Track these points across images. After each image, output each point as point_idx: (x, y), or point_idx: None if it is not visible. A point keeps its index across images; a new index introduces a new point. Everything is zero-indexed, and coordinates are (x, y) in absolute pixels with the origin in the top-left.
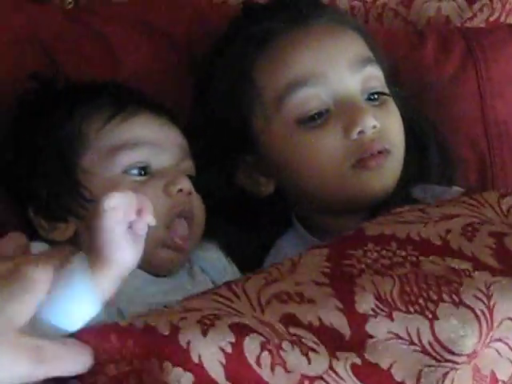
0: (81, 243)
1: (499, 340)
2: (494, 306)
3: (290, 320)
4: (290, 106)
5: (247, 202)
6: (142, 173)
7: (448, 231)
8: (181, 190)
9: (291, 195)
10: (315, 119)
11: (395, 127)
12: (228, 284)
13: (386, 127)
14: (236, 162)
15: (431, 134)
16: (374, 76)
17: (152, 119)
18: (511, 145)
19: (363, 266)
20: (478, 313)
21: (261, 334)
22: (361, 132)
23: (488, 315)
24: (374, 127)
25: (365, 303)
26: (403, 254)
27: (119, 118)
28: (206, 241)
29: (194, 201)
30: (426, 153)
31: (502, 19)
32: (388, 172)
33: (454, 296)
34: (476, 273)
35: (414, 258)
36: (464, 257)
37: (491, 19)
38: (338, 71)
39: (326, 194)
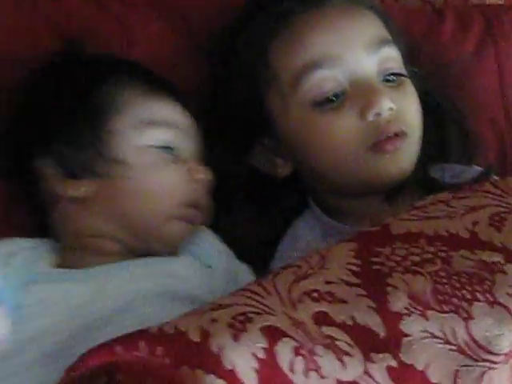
0: (96, 207)
1: None
2: None
3: (322, 318)
4: (305, 87)
5: (264, 184)
6: (170, 149)
7: (475, 223)
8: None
9: (308, 177)
10: (331, 101)
11: (412, 109)
12: (258, 280)
13: (403, 109)
14: (253, 144)
15: (450, 113)
16: (391, 57)
17: (179, 106)
18: None
19: (393, 263)
20: None
21: (293, 338)
22: (377, 114)
23: None
24: (391, 109)
25: (398, 302)
26: (432, 249)
27: (154, 95)
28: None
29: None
30: (445, 132)
31: None
32: (405, 155)
33: (488, 295)
34: (508, 265)
35: (444, 254)
36: (494, 248)
37: None
38: (354, 53)
39: (343, 177)
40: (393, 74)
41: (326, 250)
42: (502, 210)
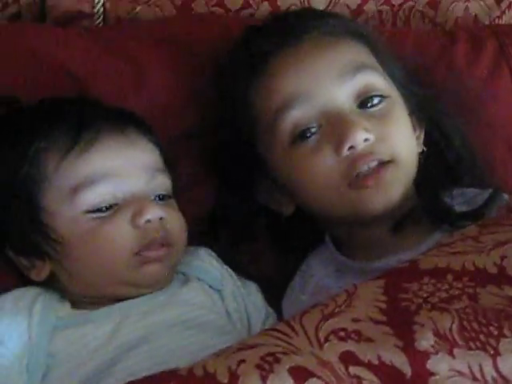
0: (61, 285)
1: None
2: None
3: (349, 358)
4: (281, 129)
5: (279, 219)
6: (107, 207)
7: (503, 257)
8: (149, 221)
9: (309, 213)
10: (308, 139)
11: (396, 134)
12: (286, 320)
13: (385, 136)
14: (257, 183)
15: (453, 134)
16: (369, 83)
17: (111, 145)
18: None
19: (420, 300)
20: None
21: (320, 378)
22: (351, 148)
23: None
24: (366, 140)
25: (424, 340)
26: (460, 285)
27: (75, 153)
28: (200, 250)
29: (169, 223)
30: (451, 157)
31: None
32: (390, 185)
33: None
34: None
35: (471, 290)
36: None
37: None
38: (323, 86)
39: (334, 212)
40: (374, 97)
41: (353, 287)
42: None
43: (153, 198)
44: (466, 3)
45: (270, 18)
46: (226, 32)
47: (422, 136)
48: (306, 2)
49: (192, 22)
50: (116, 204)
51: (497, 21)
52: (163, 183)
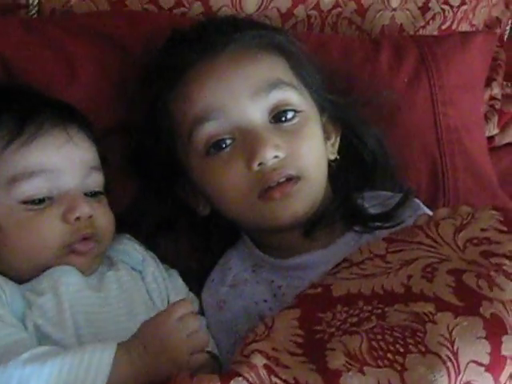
0: None
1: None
2: (457, 351)
3: (271, 370)
4: (197, 140)
5: (196, 218)
6: (40, 200)
7: (409, 277)
8: (79, 218)
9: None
10: (221, 151)
11: (306, 150)
12: None
13: (294, 152)
14: (174, 182)
15: (368, 139)
16: (283, 99)
17: (53, 139)
18: (462, 150)
19: (333, 329)
20: (445, 358)
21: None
22: (261, 164)
23: (454, 360)
24: (276, 157)
25: (336, 360)
26: (369, 308)
27: (17, 144)
28: (123, 236)
29: (98, 221)
30: (365, 161)
31: (454, 27)
32: (297, 199)
33: (420, 346)
34: (439, 315)
35: (380, 311)
36: (426, 298)
37: (443, 27)
38: (238, 102)
39: (244, 220)
40: (288, 112)
41: (270, 319)
42: (434, 260)
43: (85, 193)
44: (393, 12)
45: (194, 25)
46: (157, 30)
47: (338, 142)
48: (237, 4)
49: (124, 19)
50: (50, 198)
51: (421, 31)
52: (97, 180)
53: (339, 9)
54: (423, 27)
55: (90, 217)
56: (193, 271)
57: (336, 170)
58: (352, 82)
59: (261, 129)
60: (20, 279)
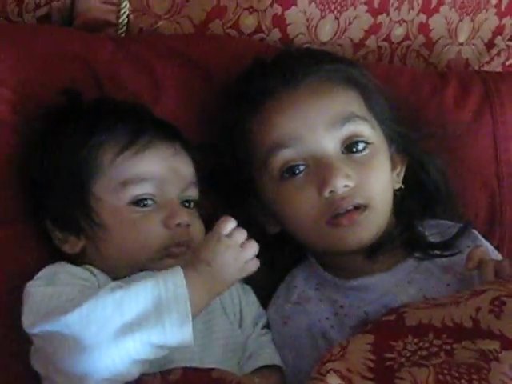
0: (88, 260)
1: None
2: None
3: None
4: (273, 165)
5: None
6: (146, 203)
7: (478, 309)
8: (179, 224)
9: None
10: (295, 176)
11: (375, 181)
12: None
13: (363, 182)
14: (246, 199)
15: (433, 171)
16: (355, 132)
17: (162, 151)
18: None
19: (403, 359)
20: None
21: None
22: (332, 191)
23: None
24: (346, 186)
25: None
26: (439, 343)
27: (131, 151)
28: None
29: (193, 230)
30: (427, 190)
31: None
32: (364, 226)
33: (484, 382)
34: (503, 353)
35: (449, 347)
36: (493, 336)
37: (507, 63)
38: (314, 133)
39: (312, 243)
40: (360, 143)
41: (345, 341)
42: (503, 293)
43: (182, 203)
44: (459, 47)
45: (275, 55)
46: (239, 55)
47: (403, 172)
48: (313, 32)
49: (209, 43)
50: (154, 202)
51: (486, 66)
52: (194, 194)
53: (409, 41)
54: (488, 62)
55: (188, 225)
56: (257, 287)
57: (400, 198)
58: (420, 114)
59: (333, 158)
60: (114, 276)
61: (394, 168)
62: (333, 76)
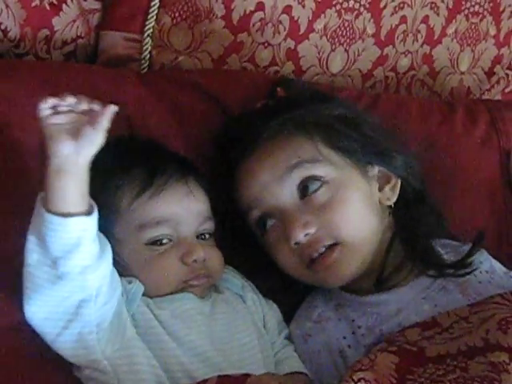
0: None
1: None
2: None
3: None
4: (250, 222)
5: None
6: (163, 242)
7: (488, 331)
8: (195, 261)
9: None
10: (268, 231)
11: (340, 217)
12: None
13: (327, 222)
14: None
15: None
16: (305, 175)
17: (177, 192)
18: None
19: (422, 379)
20: None
21: None
22: (298, 242)
23: None
24: (307, 235)
25: None
26: (454, 363)
27: (147, 195)
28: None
29: (210, 262)
30: (430, 207)
31: None
32: (340, 265)
33: None
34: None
35: (463, 364)
36: (502, 348)
37: (506, 90)
38: (269, 191)
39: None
40: (314, 183)
41: (373, 354)
42: (508, 315)
43: (198, 236)
44: (461, 76)
45: (239, 118)
46: (254, 88)
47: (399, 184)
48: (324, 64)
49: (227, 78)
50: (171, 241)
51: (486, 93)
52: (209, 228)
53: (413, 71)
54: (488, 90)
55: (204, 260)
56: (281, 305)
57: (405, 219)
58: (431, 141)
59: (291, 209)
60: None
61: (387, 182)
62: (283, 128)
